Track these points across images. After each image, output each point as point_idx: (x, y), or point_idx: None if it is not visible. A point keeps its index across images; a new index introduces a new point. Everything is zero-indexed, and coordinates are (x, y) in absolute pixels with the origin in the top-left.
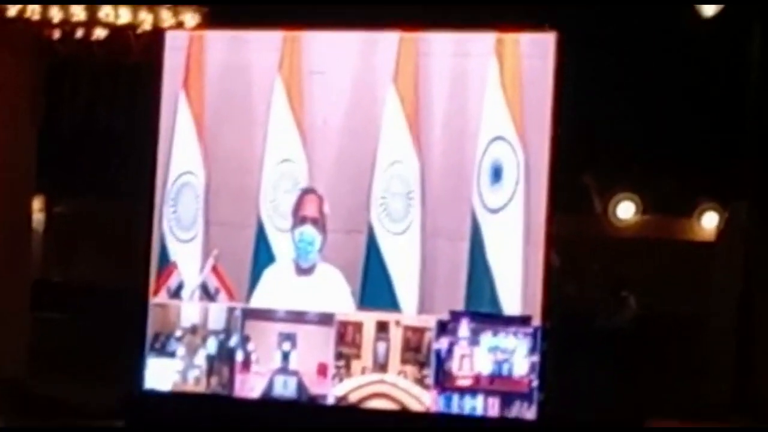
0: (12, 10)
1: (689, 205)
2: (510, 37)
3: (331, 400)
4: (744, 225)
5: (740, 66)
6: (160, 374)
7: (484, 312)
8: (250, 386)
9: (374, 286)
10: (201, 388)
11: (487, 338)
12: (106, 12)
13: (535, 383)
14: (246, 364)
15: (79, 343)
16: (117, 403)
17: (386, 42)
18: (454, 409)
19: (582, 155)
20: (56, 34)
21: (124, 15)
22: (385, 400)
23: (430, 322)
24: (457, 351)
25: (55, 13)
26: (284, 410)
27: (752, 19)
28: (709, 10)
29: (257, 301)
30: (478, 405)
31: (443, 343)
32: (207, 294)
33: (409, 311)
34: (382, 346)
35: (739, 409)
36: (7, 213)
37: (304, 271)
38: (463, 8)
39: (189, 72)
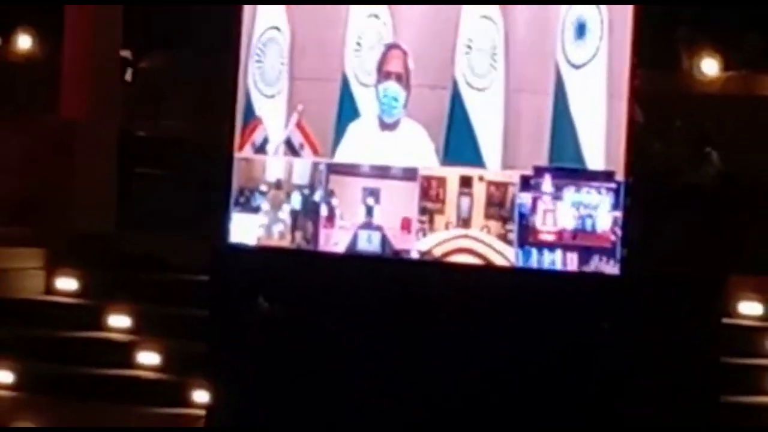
0: None
1: None
2: None
3: (414, 255)
4: None
5: None
6: (246, 229)
7: (567, 167)
8: (334, 241)
9: (458, 141)
10: (285, 243)
11: (570, 193)
12: None
13: (618, 238)
14: (330, 218)
15: (165, 198)
16: (204, 258)
17: None
18: (533, 263)
19: (666, 11)
20: None
21: None
22: (468, 255)
23: (513, 177)
24: (541, 206)
25: None
26: (368, 264)
27: None
28: None
29: (341, 156)
30: (557, 259)
31: (527, 198)
32: (291, 149)
33: (493, 166)
34: (465, 201)
35: None
36: (95, 69)
37: (388, 126)
38: None
39: None
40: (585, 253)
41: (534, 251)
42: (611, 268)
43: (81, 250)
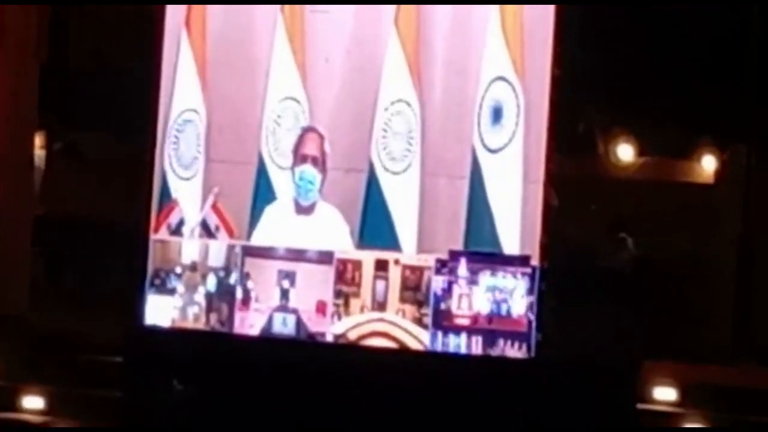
0: None
1: (688, 147)
2: None
3: (330, 338)
4: (743, 167)
5: (742, 8)
6: (160, 310)
7: (483, 251)
8: (249, 323)
9: (374, 224)
10: (200, 325)
11: (485, 278)
12: None
13: (533, 323)
14: (245, 301)
15: (80, 279)
16: (118, 339)
17: None
18: (438, 346)
19: (582, 96)
20: None
21: None
22: (383, 339)
23: (429, 261)
24: (456, 290)
25: None
26: (283, 347)
27: None
28: None
29: (257, 239)
30: (462, 343)
31: (442, 282)
32: (207, 231)
33: (409, 250)
34: (381, 285)
35: (741, 352)
36: (8, 149)
37: (304, 209)
38: None
39: (191, 10)
40: (490, 337)
41: (439, 334)
42: (516, 352)
43: None
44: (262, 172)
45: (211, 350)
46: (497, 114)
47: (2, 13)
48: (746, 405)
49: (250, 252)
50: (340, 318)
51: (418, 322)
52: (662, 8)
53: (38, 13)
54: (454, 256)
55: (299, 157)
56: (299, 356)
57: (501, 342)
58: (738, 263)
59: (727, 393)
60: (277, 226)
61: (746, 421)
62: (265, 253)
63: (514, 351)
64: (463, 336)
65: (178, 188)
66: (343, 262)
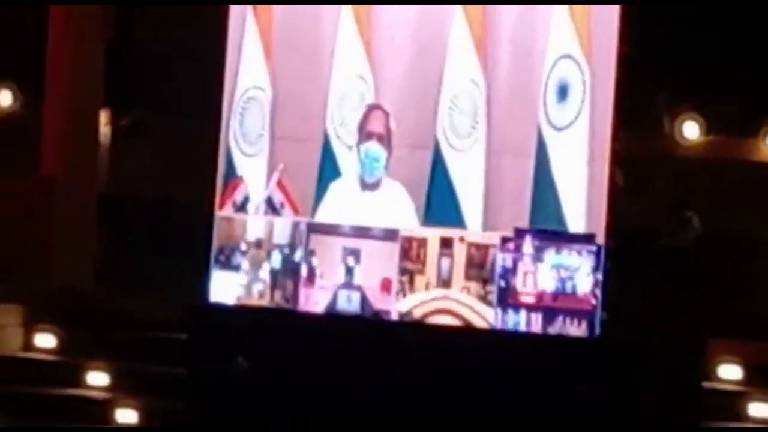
0: None
1: (754, 125)
2: None
3: (394, 316)
4: None
5: None
6: (225, 287)
7: (548, 229)
8: (314, 300)
9: (439, 202)
10: (265, 302)
11: (550, 255)
12: None
13: (598, 301)
14: (310, 278)
15: (146, 256)
16: (183, 316)
17: None
18: (503, 324)
19: (648, 74)
20: None
21: None
22: (448, 316)
23: (494, 238)
24: (521, 268)
25: None
26: (348, 325)
27: None
28: None
29: (322, 216)
30: (525, 321)
31: (507, 260)
32: (272, 208)
33: (474, 227)
34: (446, 262)
35: None
36: (74, 127)
37: (369, 186)
38: None
39: None
40: (554, 315)
41: (505, 312)
42: (581, 331)
43: (60, 307)
44: (327, 150)
45: (275, 327)
46: (563, 92)
47: None
48: None
49: (315, 229)
50: (404, 295)
51: (483, 299)
52: None
53: None
54: (520, 233)
55: (365, 134)
56: (363, 334)
57: (565, 320)
58: None
59: None
60: (342, 203)
61: None
62: (330, 230)
63: (578, 329)
64: (527, 314)
65: (243, 165)
66: (408, 240)
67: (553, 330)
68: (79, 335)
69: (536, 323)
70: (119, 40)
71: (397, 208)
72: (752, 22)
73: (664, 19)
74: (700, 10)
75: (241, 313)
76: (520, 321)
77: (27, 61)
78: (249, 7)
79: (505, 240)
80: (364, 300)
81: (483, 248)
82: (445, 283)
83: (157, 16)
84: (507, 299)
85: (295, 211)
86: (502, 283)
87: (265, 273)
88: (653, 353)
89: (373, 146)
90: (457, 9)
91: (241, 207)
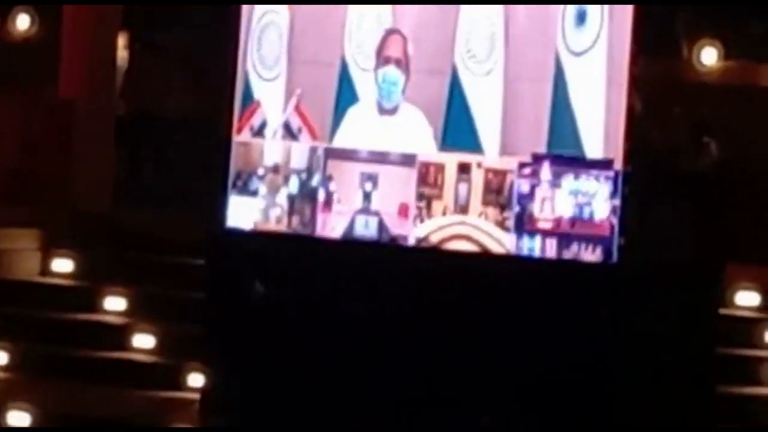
0: None
1: None
2: None
3: (411, 241)
4: None
5: None
6: (242, 212)
7: (566, 155)
8: (331, 226)
9: (457, 127)
10: (282, 227)
11: (568, 181)
12: None
13: (616, 227)
14: (327, 203)
15: (163, 179)
16: (201, 240)
17: None
18: (521, 249)
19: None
20: None
21: None
22: (465, 242)
23: (511, 164)
24: (539, 193)
25: None
26: (365, 250)
27: None
28: None
29: (340, 141)
30: (543, 246)
31: (525, 186)
32: (290, 133)
33: (491, 153)
34: (463, 188)
35: None
36: (92, 49)
37: (387, 111)
38: None
39: None
40: (572, 240)
41: (523, 237)
42: (598, 256)
43: (77, 230)
44: (344, 74)
45: (293, 252)
46: (581, 17)
47: None
48: None
49: (333, 154)
50: (422, 221)
51: (501, 225)
52: None
53: None
54: (537, 159)
55: (382, 59)
56: (381, 259)
57: (583, 246)
58: None
59: None
60: (359, 128)
61: None
62: (347, 155)
63: (596, 255)
64: (542, 239)
65: (260, 89)
66: (426, 165)
67: (568, 255)
68: (96, 259)
69: (551, 249)
70: None
71: (415, 133)
72: None
73: None
74: None
75: (258, 238)
76: (534, 247)
77: None
78: None
79: (522, 165)
80: (381, 225)
81: (500, 174)
82: (462, 208)
83: None
84: (524, 225)
85: (313, 136)
86: (520, 209)
87: (282, 198)
88: (671, 278)
89: (391, 71)
90: None
91: (259, 131)
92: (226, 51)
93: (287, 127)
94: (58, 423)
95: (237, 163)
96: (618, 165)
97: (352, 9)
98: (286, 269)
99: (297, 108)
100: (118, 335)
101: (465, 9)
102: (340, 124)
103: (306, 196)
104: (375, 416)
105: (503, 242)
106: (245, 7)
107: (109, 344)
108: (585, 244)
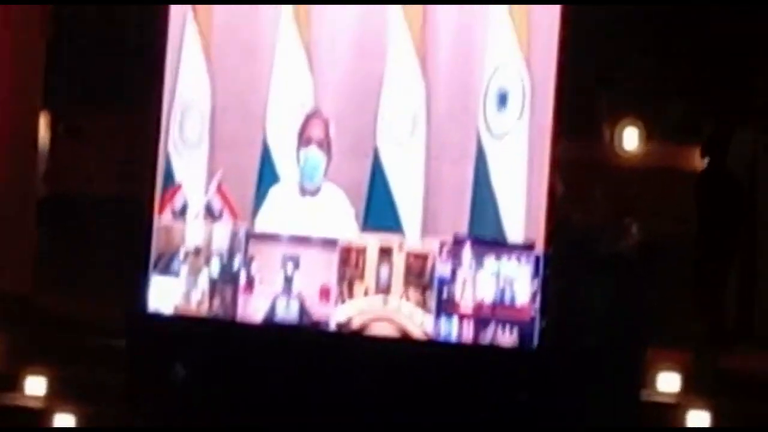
0: None
1: (694, 132)
2: None
3: (333, 324)
4: (749, 154)
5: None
6: (164, 294)
7: (487, 237)
8: (252, 308)
9: (378, 207)
10: (203, 310)
11: (490, 263)
12: None
13: (537, 310)
14: (249, 285)
15: (84, 261)
16: (122, 322)
17: None
18: (442, 332)
19: (588, 81)
20: None
21: None
22: (387, 324)
23: (433, 245)
24: (460, 275)
25: None
26: (286, 333)
27: None
28: None
29: (262, 222)
30: (464, 329)
31: (446, 268)
32: (211, 215)
33: (413, 234)
34: (385, 270)
35: (744, 337)
36: (13, 130)
37: (309, 192)
38: None
39: None
40: (493, 323)
41: (443, 320)
42: (510, 339)
43: None
44: (266, 155)
45: (214, 335)
46: (503, 99)
47: None
48: (749, 391)
49: (255, 236)
50: (343, 302)
51: (422, 307)
52: None
53: None
54: (458, 240)
55: (304, 140)
56: (302, 342)
57: (500, 329)
58: (742, 248)
59: (731, 379)
60: (281, 209)
61: (751, 408)
62: (269, 237)
63: (516, 338)
64: (465, 322)
65: (182, 171)
66: (348, 248)
67: (488, 339)
68: (16, 340)
69: (470, 332)
70: (58, 41)
71: (337, 214)
72: (693, 29)
73: (604, 23)
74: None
75: (179, 320)
76: (453, 330)
77: None
78: (189, 8)
79: (443, 247)
80: (302, 308)
81: (422, 256)
82: (383, 290)
83: (96, 16)
84: (446, 307)
85: (235, 217)
86: (441, 292)
87: (203, 280)
88: (592, 361)
89: (313, 152)
90: (398, 13)
91: (180, 213)
92: (147, 132)
93: (209, 209)
94: None
95: (158, 245)
96: (539, 247)
97: (275, 89)
98: (208, 352)
99: (218, 189)
100: (39, 418)
101: (387, 89)
102: (261, 205)
103: (227, 278)
104: None
105: (424, 325)
106: (167, 87)
107: (29, 427)
108: (505, 327)
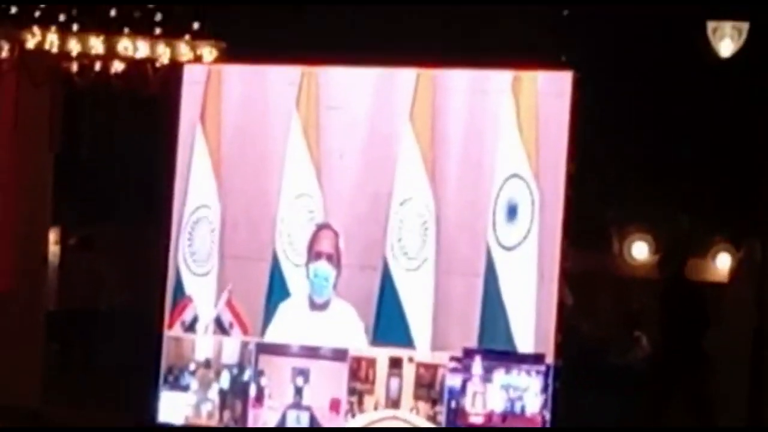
0: (31, 42)
1: (703, 245)
2: (527, 75)
3: None
4: (757, 262)
5: (756, 106)
6: (174, 408)
7: (497, 349)
8: (263, 421)
9: (388, 322)
10: (214, 422)
11: (500, 376)
12: (124, 45)
13: (548, 422)
14: (259, 398)
15: (94, 374)
16: None
17: (403, 77)
18: None
19: (597, 194)
20: (74, 66)
21: (142, 48)
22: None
23: (443, 358)
24: (470, 388)
25: (74, 46)
26: None
27: None
28: (726, 51)
29: (271, 336)
30: None
31: (456, 380)
32: (221, 328)
33: (423, 347)
34: (395, 382)
35: None
36: (24, 247)
37: (318, 306)
38: (481, 45)
39: (206, 105)
40: None
41: None
42: None
43: (6, 425)
44: (276, 269)
45: None
46: (512, 211)
47: (16, 106)
48: None
49: (264, 349)
50: (353, 415)
51: (432, 419)
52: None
53: (51, 104)
54: (469, 353)
55: (314, 254)
56: None
57: None
58: (752, 358)
59: None
60: (291, 323)
61: None
62: (279, 350)
63: None
64: None
65: (192, 284)
66: (357, 360)
67: None
68: None
69: None
70: (67, 155)
71: (346, 328)
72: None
73: (614, 136)
74: (651, 129)
75: None
76: None
77: None
78: (198, 122)
79: (454, 360)
80: (313, 420)
81: (432, 368)
82: (394, 403)
83: (106, 130)
84: (456, 420)
85: (244, 330)
86: (452, 404)
87: (213, 393)
88: None
89: (323, 266)
90: (406, 126)
91: (190, 326)
92: (157, 246)
93: (218, 322)
94: None
95: (168, 358)
96: (549, 359)
97: (284, 203)
98: None
99: (228, 303)
100: None
101: (395, 204)
102: (271, 320)
103: (237, 391)
104: None
105: None
106: (177, 201)
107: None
108: None
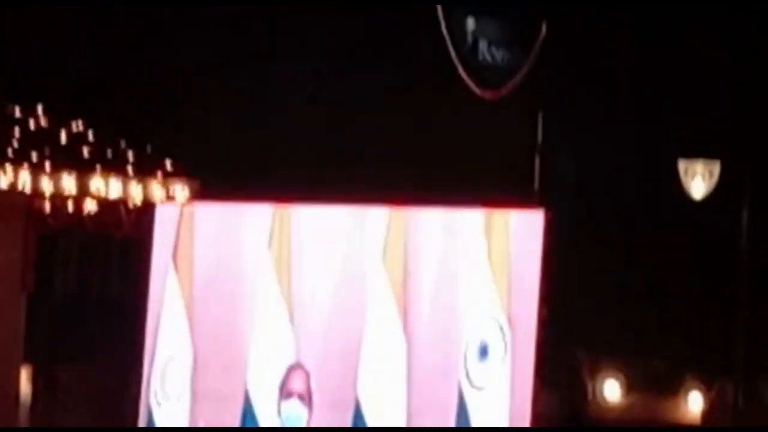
0: (3, 182)
1: (675, 384)
2: (499, 216)
3: None
4: (729, 400)
5: (728, 247)
6: None
7: None
8: None
9: None
10: None
11: None
12: (96, 186)
13: None
14: None
15: None
16: None
17: (375, 218)
18: None
19: (569, 334)
20: (47, 206)
21: (114, 189)
22: None
23: None
24: None
25: (46, 186)
26: None
27: (741, 203)
28: (698, 193)
29: None
30: None
31: None
32: None
33: None
34: None
35: None
36: None
37: None
38: (453, 186)
39: (178, 244)
40: None
41: None
42: None
43: None
44: (248, 408)
45: None
46: (484, 351)
47: None
48: None
49: None
50: None
51: None
52: (650, 247)
53: (24, 247)
54: None
55: (285, 393)
56: None
57: None
58: None
59: None
60: None
61: None
62: None
63: None
64: None
65: (164, 423)
66: None
67: None
68: None
69: None
70: (40, 295)
71: None
72: (672, 282)
73: (584, 278)
74: (620, 270)
75: None
76: None
77: None
78: (170, 262)
79: None
80: None
81: None
82: None
83: (78, 270)
84: None
85: None
86: None
87: None
88: None
89: (294, 405)
90: (378, 266)
91: None
92: (128, 386)
93: None
94: None
95: None
96: None
97: (255, 343)
98: None
99: None
100: None
101: (367, 343)
102: None
103: None
104: None
105: None
106: (149, 342)
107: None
108: None
